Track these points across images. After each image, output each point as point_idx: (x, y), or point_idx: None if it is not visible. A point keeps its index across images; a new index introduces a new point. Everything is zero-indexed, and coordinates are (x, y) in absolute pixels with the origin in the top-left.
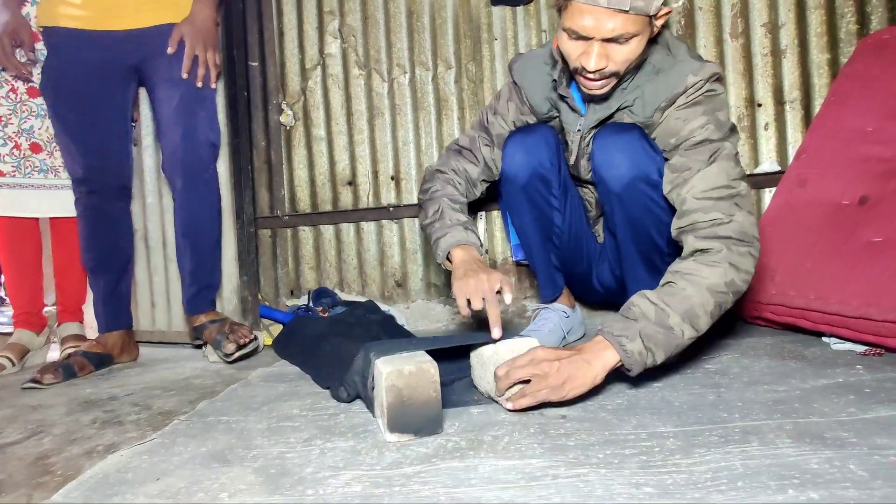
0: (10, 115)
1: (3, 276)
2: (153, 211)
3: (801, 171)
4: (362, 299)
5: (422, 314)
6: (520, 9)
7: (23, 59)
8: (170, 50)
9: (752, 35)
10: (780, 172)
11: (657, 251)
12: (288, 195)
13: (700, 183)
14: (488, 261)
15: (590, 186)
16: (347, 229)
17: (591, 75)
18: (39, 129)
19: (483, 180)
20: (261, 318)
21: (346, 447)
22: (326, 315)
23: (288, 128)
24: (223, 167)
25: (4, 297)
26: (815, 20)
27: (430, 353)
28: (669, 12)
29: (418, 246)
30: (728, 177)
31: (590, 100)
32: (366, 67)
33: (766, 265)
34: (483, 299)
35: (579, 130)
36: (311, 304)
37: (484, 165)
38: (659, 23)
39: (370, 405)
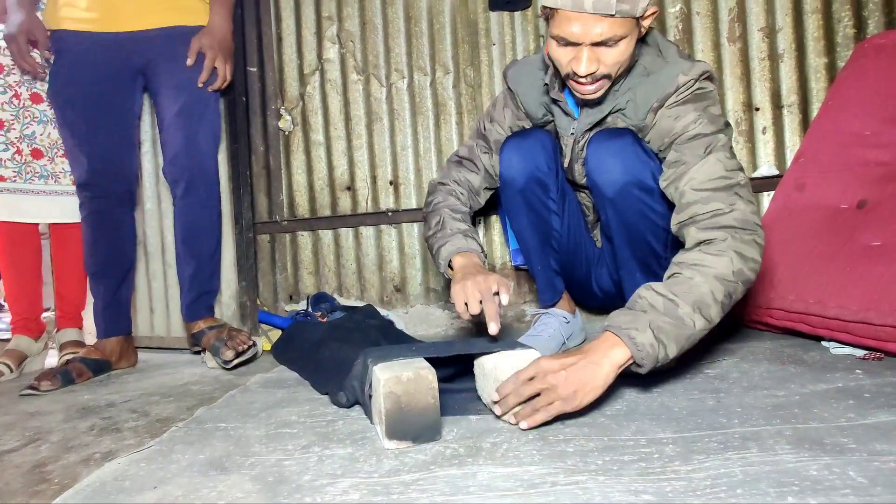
0: (13, 120)
1: (1, 282)
2: (152, 216)
3: (799, 175)
4: (361, 304)
5: (421, 319)
6: (517, 13)
7: (38, 59)
8: (189, 61)
9: (750, 39)
10: (778, 176)
11: (654, 256)
12: (286, 200)
13: (698, 175)
14: (487, 266)
15: (586, 191)
16: (346, 234)
17: (583, 80)
18: (41, 135)
19: (486, 188)
20: (259, 323)
21: (345, 454)
22: (325, 320)
23: (286, 133)
24: (222, 173)
25: (3, 303)
26: (813, 24)
27: (428, 359)
28: (655, 12)
29: (417, 251)
30: (725, 167)
31: (583, 104)
32: (364, 72)
33: (765, 269)
34: (480, 301)
35: (573, 134)
36: (309, 310)
37: (484, 173)
38: (646, 23)
39: (368, 412)
